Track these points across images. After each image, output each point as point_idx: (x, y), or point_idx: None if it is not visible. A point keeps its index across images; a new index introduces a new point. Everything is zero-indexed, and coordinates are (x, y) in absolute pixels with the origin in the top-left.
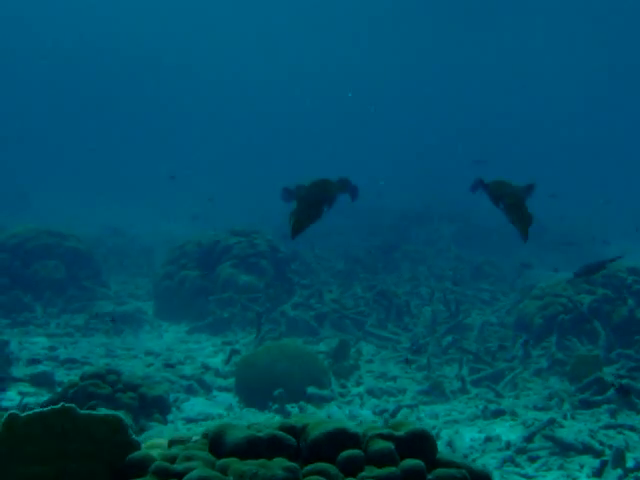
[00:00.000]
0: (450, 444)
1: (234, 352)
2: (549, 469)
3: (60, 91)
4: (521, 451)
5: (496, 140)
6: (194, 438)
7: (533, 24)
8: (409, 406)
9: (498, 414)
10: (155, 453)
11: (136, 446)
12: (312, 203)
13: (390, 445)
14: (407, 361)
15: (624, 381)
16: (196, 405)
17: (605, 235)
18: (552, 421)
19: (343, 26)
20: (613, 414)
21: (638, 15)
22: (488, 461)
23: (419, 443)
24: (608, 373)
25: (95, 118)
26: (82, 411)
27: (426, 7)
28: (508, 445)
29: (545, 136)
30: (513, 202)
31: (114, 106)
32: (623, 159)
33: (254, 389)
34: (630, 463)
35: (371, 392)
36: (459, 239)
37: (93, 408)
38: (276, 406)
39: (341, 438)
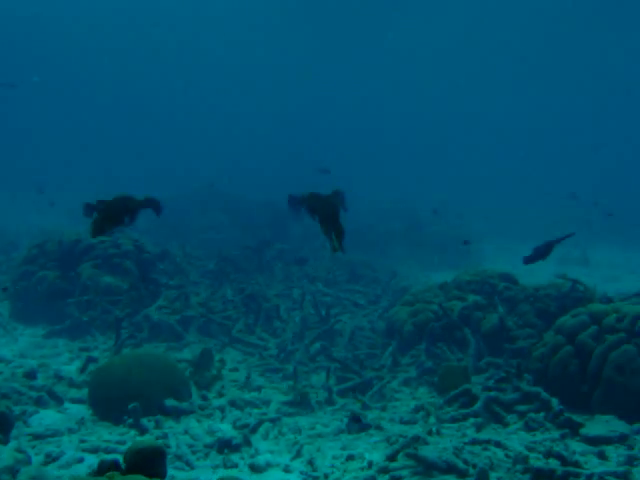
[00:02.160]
0: (311, 462)
1: (91, 360)
2: None
3: None
4: (383, 471)
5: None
6: None
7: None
8: (271, 420)
9: (363, 428)
10: None
11: None
12: (111, 215)
13: None
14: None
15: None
16: (45, 419)
17: (479, 235)
18: (416, 438)
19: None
20: (479, 428)
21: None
22: None
23: None
24: (477, 383)
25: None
26: None
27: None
28: (370, 464)
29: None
30: (326, 214)
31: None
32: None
33: (109, 401)
34: None
35: (234, 404)
36: None
37: None
38: (131, 420)
39: None
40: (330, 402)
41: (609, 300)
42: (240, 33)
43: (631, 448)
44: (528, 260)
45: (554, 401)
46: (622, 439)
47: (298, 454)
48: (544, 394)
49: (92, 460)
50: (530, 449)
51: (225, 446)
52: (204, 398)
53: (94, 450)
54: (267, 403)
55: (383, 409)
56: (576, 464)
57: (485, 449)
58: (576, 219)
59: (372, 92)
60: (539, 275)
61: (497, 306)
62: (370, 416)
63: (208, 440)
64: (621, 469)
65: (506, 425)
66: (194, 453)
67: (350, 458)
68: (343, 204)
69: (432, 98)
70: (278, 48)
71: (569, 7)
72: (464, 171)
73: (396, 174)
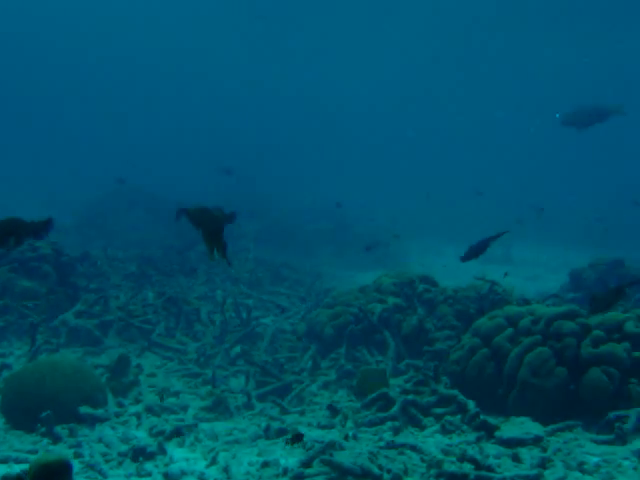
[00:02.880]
0: (226, 469)
1: (4, 366)
2: None
3: None
4: (298, 477)
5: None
6: None
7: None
8: (188, 426)
9: (281, 433)
10: None
11: None
12: None
13: None
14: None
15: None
16: None
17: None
18: (332, 444)
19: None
20: (396, 432)
21: None
22: None
23: None
24: (395, 385)
25: None
26: None
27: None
28: (285, 471)
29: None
30: (209, 229)
31: None
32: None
33: (22, 409)
34: None
35: (150, 410)
36: (262, 238)
37: None
38: (44, 429)
39: None
40: (249, 407)
41: (526, 302)
42: (156, 25)
43: (544, 450)
44: (464, 258)
45: (470, 403)
46: (536, 441)
47: (214, 461)
48: (461, 397)
49: (2, 470)
50: (446, 452)
51: (140, 454)
52: (120, 405)
53: (4, 460)
54: (185, 409)
55: (301, 414)
56: (489, 468)
57: (401, 453)
58: (501, 218)
59: (298, 94)
60: (463, 275)
61: (416, 308)
62: (288, 420)
63: (122, 448)
64: (533, 472)
65: (423, 428)
66: (107, 462)
67: (265, 465)
68: (230, 218)
69: (357, 101)
70: (202, 45)
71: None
72: (391, 172)
73: (323, 175)
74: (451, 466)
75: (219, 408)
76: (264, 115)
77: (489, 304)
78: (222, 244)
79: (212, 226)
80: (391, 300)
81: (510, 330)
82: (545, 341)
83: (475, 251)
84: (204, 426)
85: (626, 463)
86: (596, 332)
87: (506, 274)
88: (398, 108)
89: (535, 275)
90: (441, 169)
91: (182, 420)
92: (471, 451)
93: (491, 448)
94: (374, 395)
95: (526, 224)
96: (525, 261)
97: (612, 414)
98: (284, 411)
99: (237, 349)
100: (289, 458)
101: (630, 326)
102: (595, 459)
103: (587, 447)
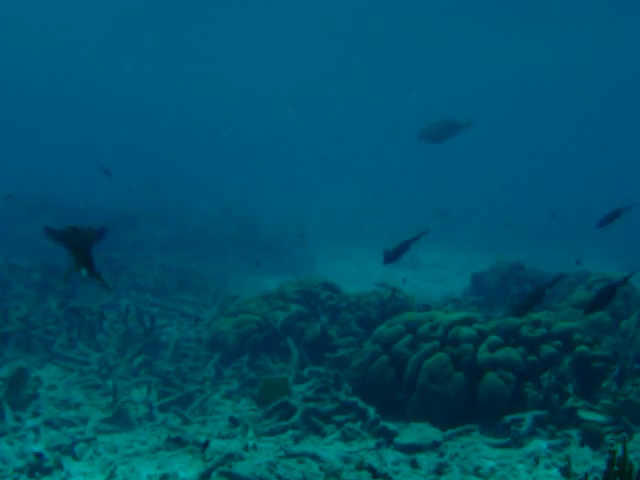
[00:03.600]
0: None
1: None
2: None
3: None
4: None
5: None
6: None
7: None
8: (87, 440)
9: (181, 444)
10: None
11: None
12: None
13: None
14: None
15: None
16: None
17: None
18: (231, 455)
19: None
20: (297, 440)
21: None
22: None
23: None
24: (298, 393)
25: None
26: None
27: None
28: None
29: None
30: (77, 247)
31: None
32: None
33: None
34: None
35: (50, 423)
36: (172, 244)
37: None
38: None
39: None
40: (150, 418)
41: (426, 307)
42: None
43: (442, 455)
44: (387, 260)
45: (370, 410)
46: (434, 446)
47: (112, 475)
48: (361, 403)
49: None
50: (346, 460)
51: (36, 469)
52: (18, 419)
53: None
54: (85, 421)
55: (203, 424)
56: (385, 476)
57: (300, 462)
58: (408, 222)
59: (208, 99)
60: (368, 279)
61: (320, 315)
62: (190, 431)
63: (19, 464)
64: (430, 478)
65: (324, 436)
66: (3, 478)
67: (164, 478)
68: (100, 238)
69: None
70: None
71: None
72: (300, 177)
73: (235, 182)
74: (349, 474)
75: (120, 420)
76: (174, 121)
77: (390, 310)
78: (91, 264)
79: (80, 244)
80: (294, 307)
81: (409, 336)
82: (443, 347)
83: (397, 253)
84: (103, 438)
85: (520, 466)
86: (492, 337)
87: (405, 280)
88: (307, 115)
89: (441, 278)
90: (349, 173)
91: (82, 433)
92: (370, 458)
93: (390, 454)
94: (275, 404)
95: (432, 229)
96: (432, 264)
97: (508, 418)
98: (186, 421)
99: (139, 359)
100: (188, 470)
101: (525, 331)
102: (491, 463)
103: (484, 451)
